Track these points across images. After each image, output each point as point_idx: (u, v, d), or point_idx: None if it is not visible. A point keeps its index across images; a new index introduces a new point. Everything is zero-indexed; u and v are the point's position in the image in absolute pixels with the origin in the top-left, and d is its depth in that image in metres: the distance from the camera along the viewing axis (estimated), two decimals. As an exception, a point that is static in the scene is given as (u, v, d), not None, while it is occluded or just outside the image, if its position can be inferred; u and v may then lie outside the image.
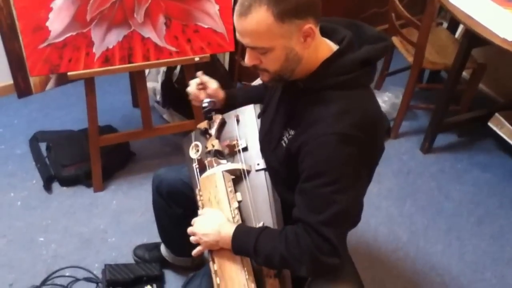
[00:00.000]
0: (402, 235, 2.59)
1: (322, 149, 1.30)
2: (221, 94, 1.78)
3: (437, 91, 3.00)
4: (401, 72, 3.38)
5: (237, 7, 1.28)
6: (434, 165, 3.03)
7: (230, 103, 1.79)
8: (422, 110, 3.33)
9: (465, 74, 3.20)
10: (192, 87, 1.79)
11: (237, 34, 1.32)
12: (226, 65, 2.95)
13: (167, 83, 2.84)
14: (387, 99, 3.21)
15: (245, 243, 1.38)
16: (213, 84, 1.77)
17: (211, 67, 2.45)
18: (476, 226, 2.69)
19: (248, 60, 1.36)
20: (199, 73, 1.80)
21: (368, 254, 2.46)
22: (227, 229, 1.42)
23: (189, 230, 1.52)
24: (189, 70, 2.46)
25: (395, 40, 3.08)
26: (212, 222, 1.46)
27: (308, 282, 1.60)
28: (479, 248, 2.57)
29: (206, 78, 1.79)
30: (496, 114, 2.95)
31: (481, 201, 2.83)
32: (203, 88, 1.78)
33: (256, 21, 1.25)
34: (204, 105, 1.77)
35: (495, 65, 3.20)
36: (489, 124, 2.99)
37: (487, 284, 2.40)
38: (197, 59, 2.36)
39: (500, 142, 3.05)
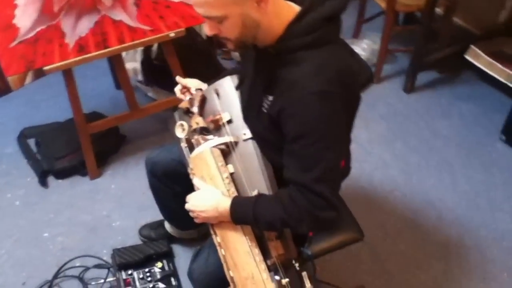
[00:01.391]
0: (396, 176, 2.66)
1: (303, 110, 1.33)
2: (203, 87, 1.79)
3: (414, 31, 3.02)
4: (376, 18, 3.38)
5: None
6: (419, 103, 3.08)
7: None
8: (402, 53, 3.34)
9: (440, 11, 3.20)
10: (177, 94, 1.83)
11: (193, 6, 1.34)
12: (203, 35, 2.93)
13: (146, 61, 2.83)
14: (366, 46, 3.22)
15: (244, 214, 1.43)
16: (193, 83, 1.80)
17: (187, 39, 2.45)
18: (465, 157, 2.77)
19: (207, 31, 1.38)
20: (178, 78, 1.84)
21: (365, 199, 2.54)
22: (224, 204, 1.46)
23: (187, 206, 1.57)
24: (167, 47, 2.46)
25: (366, -14, 3.07)
26: (209, 199, 1.50)
27: (310, 237, 1.68)
28: (471, 178, 2.66)
29: (184, 81, 1.82)
30: (472, 46, 2.98)
31: (468, 132, 2.91)
32: (187, 91, 1.81)
33: None
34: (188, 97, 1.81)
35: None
36: (466, 56, 3.02)
37: (481, 211, 2.50)
38: (172, 34, 2.36)
39: (479, 72, 3.10)
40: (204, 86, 1.79)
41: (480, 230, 2.42)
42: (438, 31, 3.13)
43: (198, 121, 1.67)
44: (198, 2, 1.30)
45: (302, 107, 1.33)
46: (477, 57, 2.98)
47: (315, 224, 1.39)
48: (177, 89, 1.84)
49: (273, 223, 1.41)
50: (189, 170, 1.65)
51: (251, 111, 1.54)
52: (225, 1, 1.27)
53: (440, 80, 3.26)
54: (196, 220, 1.56)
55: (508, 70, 2.88)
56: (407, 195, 2.56)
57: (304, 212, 1.36)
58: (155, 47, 2.74)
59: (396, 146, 2.81)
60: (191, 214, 1.56)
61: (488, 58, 2.95)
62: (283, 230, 1.49)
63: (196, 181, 1.58)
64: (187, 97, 1.79)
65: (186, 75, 2.52)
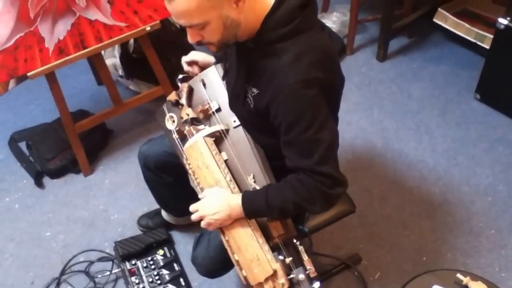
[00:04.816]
0: (376, 142, 2.75)
1: (289, 100, 1.38)
2: (211, 60, 1.83)
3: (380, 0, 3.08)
4: (343, -10, 3.43)
5: None
6: (391, 70, 3.17)
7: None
8: (371, 22, 3.40)
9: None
10: (185, 67, 1.85)
11: (172, 17, 1.37)
12: (177, 24, 2.96)
13: (125, 56, 2.87)
14: (336, 19, 3.28)
15: (257, 205, 1.48)
16: (199, 57, 1.82)
17: (161, 30, 2.49)
18: (440, 117, 2.87)
19: (190, 39, 1.42)
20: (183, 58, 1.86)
21: (349, 169, 2.62)
22: (235, 200, 1.50)
23: (195, 216, 1.57)
24: (144, 40, 2.50)
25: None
26: (218, 199, 1.53)
27: (307, 214, 1.77)
28: (447, 136, 2.76)
29: (190, 56, 1.83)
30: (439, 9, 3.06)
31: (440, 93, 3.00)
32: (194, 64, 1.83)
33: (184, 2, 1.29)
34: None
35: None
36: (434, 20, 3.10)
37: (461, 168, 2.61)
38: (148, 28, 2.40)
39: (448, 33, 3.18)
40: (211, 58, 1.82)
41: (462, 186, 2.53)
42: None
43: (188, 112, 1.71)
44: (178, 13, 1.33)
45: (288, 99, 1.38)
46: (445, 19, 3.06)
47: (328, 201, 1.47)
48: (184, 62, 1.85)
49: (286, 208, 1.46)
50: (184, 162, 1.70)
51: (236, 100, 1.59)
52: (204, 7, 1.30)
53: (410, 44, 3.34)
54: (210, 228, 1.56)
55: (475, 29, 2.96)
56: (389, 159, 2.67)
57: (316, 193, 1.43)
58: (131, 40, 2.77)
59: (373, 114, 2.90)
60: (203, 223, 1.55)
61: (455, 19, 3.02)
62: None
63: (201, 194, 1.61)
64: (195, 69, 1.82)
65: (163, 65, 2.60)
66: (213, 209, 1.52)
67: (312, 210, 1.50)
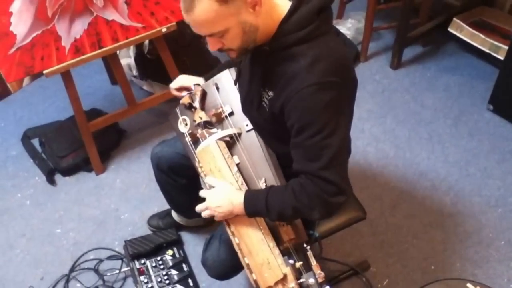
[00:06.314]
0: (389, 150, 2.75)
1: (303, 102, 1.38)
2: (200, 82, 1.84)
3: (396, 8, 3.07)
4: (359, -3, 3.43)
5: (181, 4, 1.34)
6: (405, 78, 3.16)
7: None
8: (386, 30, 3.40)
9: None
10: (173, 92, 1.90)
11: (191, 27, 1.38)
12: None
13: (140, 57, 2.89)
14: (350, 26, 3.28)
15: (257, 206, 1.49)
16: (188, 82, 1.85)
17: (177, 32, 2.51)
18: (453, 127, 2.86)
19: (211, 47, 1.44)
20: (170, 86, 1.92)
21: (361, 175, 2.63)
22: (238, 197, 1.52)
23: (201, 206, 1.60)
24: (159, 42, 2.51)
25: (347, -35, 3.11)
26: (223, 194, 1.55)
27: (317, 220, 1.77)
28: (460, 147, 2.76)
29: (178, 84, 1.88)
30: (454, 19, 3.05)
31: (454, 103, 3.00)
32: (183, 89, 1.87)
33: (202, 12, 1.30)
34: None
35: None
36: (449, 29, 3.10)
37: (472, 179, 2.60)
38: (164, 30, 2.42)
39: (462, 44, 3.17)
40: (200, 80, 1.84)
41: (473, 197, 2.52)
42: (419, 6, 3.19)
43: (201, 116, 1.72)
44: (197, 23, 1.35)
45: (302, 100, 1.38)
46: (460, 29, 3.06)
47: (327, 209, 1.45)
48: (172, 88, 1.89)
49: (285, 212, 1.47)
50: (196, 165, 1.71)
51: (250, 105, 1.60)
52: (223, 15, 1.31)
53: (425, 53, 3.33)
54: (215, 219, 1.59)
55: (490, 40, 2.95)
56: (400, 168, 2.66)
57: (315, 199, 1.42)
58: (146, 42, 2.79)
59: (386, 122, 2.90)
60: (207, 213, 1.59)
61: (471, 29, 3.02)
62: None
63: (208, 179, 1.63)
64: (184, 93, 1.84)
65: (177, 67, 2.61)
66: (217, 202, 1.56)
67: (311, 217, 1.49)
